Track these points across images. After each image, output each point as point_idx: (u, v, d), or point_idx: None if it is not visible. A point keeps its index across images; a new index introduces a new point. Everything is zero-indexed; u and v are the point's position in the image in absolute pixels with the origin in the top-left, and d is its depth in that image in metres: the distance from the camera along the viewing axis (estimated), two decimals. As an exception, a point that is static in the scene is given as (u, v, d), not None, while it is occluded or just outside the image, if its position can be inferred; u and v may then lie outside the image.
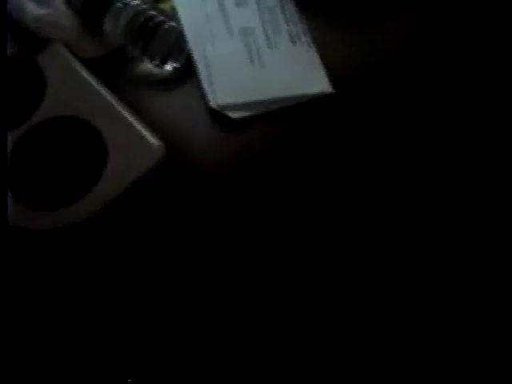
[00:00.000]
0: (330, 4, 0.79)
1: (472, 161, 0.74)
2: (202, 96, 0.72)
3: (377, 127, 0.74)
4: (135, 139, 0.68)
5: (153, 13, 0.74)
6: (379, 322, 0.70)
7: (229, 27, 0.76)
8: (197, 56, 0.74)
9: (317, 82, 0.74)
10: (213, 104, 0.71)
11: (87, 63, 0.74)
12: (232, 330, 0.68)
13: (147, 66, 0.76)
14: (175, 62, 0.74)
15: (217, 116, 0.71)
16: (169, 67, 0.74)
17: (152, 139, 0.68)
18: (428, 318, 0.70)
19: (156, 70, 0.75)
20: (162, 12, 0.75)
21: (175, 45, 0.74)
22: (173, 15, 0.76)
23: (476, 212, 0.73)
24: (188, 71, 0.74)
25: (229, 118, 0.71)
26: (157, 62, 0.74)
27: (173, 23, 0.74)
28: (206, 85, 0.72)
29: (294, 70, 0.74)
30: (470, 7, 0.79)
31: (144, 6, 0.75)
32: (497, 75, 0.77)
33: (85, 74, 0.72)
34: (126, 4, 0.75)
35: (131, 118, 0.69)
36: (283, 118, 0.72)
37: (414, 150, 0.74)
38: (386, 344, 0.69)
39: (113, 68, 0.76)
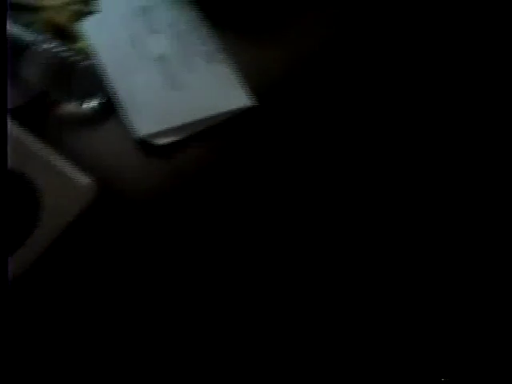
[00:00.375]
0: (241, 21, 0.80)
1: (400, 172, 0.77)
2: (127, 128, 0.74)
3: (303, 133, 0.77)
4: (66, 182, 0.70)
5: (68, 53, 0.75)
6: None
7: (145, 57, 0.77)
8: (117, 89, 0.75)
9: (237, 98, 0.76)
10: (138, 135, 0.73)
11: (12, 113, 0.75)
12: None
13: (71, 107, 0.77)
14: (97, 98, 0.76)
15: (144, 145, 0.73)
16: (92, 104, 0.76)
17: (82, 179, 0.69)
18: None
19: (80, 109, 0.76)
20: (78, 51, 0.76)
21: (95, 82, 0.75)
22: (89, 53, 0.77)
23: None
24: (111, 106, 0.75)
25: (156, 145, 0.73)
26: (80, 102, 0.75)
27: (90, 61, 0.76)
28: (129, 117, 0.74)
29: (213, 89, 0.76)
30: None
31: (59, 48, 0.76)
32: (408, 70, 0.80)
33: (9, 124, 0.73)
34: (40, 48, 0.75)
35: (60, 162, 0.71)
36: (210, 137, 0.74)
37: (343, 149, 0.77)
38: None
39: (38, 113, 0.77)
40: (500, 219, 0.76)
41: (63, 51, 0.75)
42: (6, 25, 0.72)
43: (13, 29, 0.75)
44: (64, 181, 0.69)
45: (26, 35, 0.75)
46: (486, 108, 0.80)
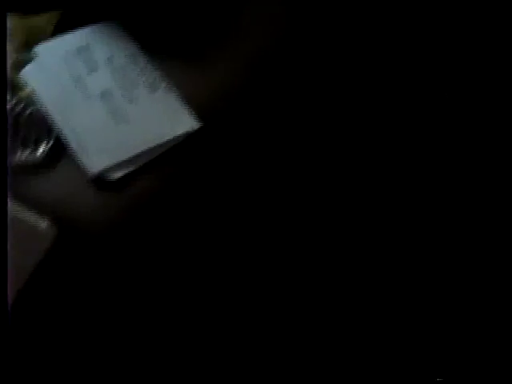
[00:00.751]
0: (179, 47, 0.82)
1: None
2: (79, 167, 0.74)
3: (252, 150, 0.78)
4: (25, 228, 0.70)
5: (12, 102, 0.77)
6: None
7: (88, 95, 0.78)
8: (65, 131, 0.76)
9: (183, 123, 0.77)
10: (90, 172, 0.74)
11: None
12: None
13: (23, 155, 0.77)
14: (47, 143, 0.77)
15: (97, 182, 0.74)
16: (42, 149, 0.77)
17: (41, 223, 0.70)
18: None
19: (32, 156, 0.77)
20: (21, 99, 0.77)
21: (42, 127, 0.76)
22: (33, 99, 0.78)
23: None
24: (61, 148, 0.76)
25: (109, 180, 0.74)
26: (30, 149, 0.76)
27: (35, 107, 0.77)
28: (80, 156, 0.74)
29: (159, 118, 0.77)
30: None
31: (3, 100, 0.77)
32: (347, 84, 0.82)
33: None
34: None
35: (17, 210, 0.71)
36: (161, 164, 0.75)
37: (292, 161, 0.78)
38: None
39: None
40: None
41: (7, 102, 0.77)
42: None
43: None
44: (22, 227, 0.70)
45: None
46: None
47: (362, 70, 0.83)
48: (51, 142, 0.77)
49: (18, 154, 0.77)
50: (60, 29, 0.81)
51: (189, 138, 0.77)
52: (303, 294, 0.73)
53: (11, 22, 0.79)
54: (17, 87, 0.79)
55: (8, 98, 0.76)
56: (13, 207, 0.71)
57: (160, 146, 0.76)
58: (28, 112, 0.76)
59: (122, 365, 0.70)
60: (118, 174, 0.74)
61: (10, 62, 0.80)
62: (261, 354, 0.71)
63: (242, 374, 0.70)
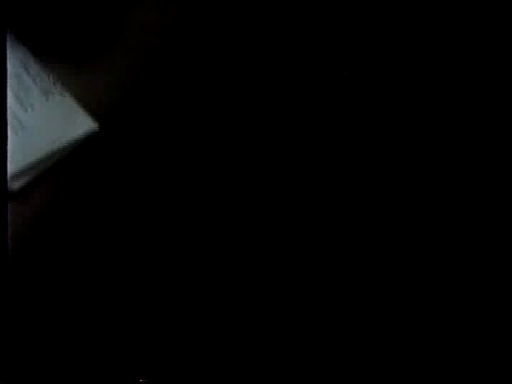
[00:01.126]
0: (70, 51, 0.82)
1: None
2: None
3: (154, 147, 0.79)
4: None
5: None
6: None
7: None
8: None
9: (81, 124, 0.77)
10: (-9, 184, 0.73)
11: None
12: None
13: None
14: None
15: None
16: None
17: None
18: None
19: None
20: None
21: None
22: None
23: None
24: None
25: (11, 191, 0.73)
26: None
27: None
28: (-21, 169, 0.74)
29: (55, 122, 0.77)
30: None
31: None
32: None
33: None
34: None
35: None
36: (63, 169, 0.75)
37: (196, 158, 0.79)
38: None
39: None
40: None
41: None
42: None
43: None
44: None
45: None
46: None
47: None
48: None
49: None
50: None
51: (87, 139, 0.77)
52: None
53: None
54: None
55: None
56: None
57: (59, 150, 0.76)
58: None
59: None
60: (19, 183, 0.74)
61: None
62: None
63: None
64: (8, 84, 0.79)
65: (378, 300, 0.74)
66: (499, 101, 0.81)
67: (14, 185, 0.74)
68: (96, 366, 0.69)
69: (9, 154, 0.75)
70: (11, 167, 0.74)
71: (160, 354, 0.70)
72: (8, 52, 0.81)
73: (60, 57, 0.81)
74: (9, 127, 0.76)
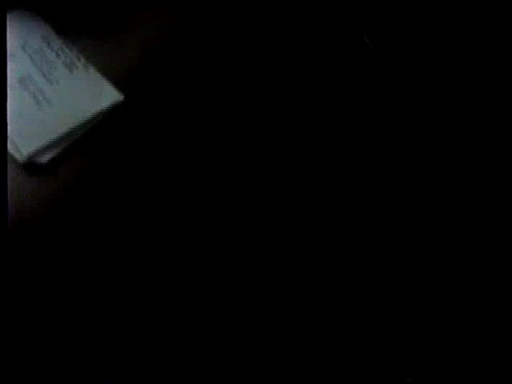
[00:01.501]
0: (92, 24, 0.82)
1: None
2: (10, 157, 0.74)
3: (177, 120, 0.78)
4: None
5: None
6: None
7: (7, 84, 0.77)
8: (-11, 122, 0.75)
9: (106, 96, 0.77)
10: (20, 159, 0.73)
11: None
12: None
13: None
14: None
15: (29, 168, 0.73)
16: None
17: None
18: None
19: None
20: None
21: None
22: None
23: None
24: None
25: (40, 164, 0.73)
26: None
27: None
28: (9, 145, 0.74)
29: (82, 95, 0.77)
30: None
31: None
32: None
33: None
34: None
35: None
36: (90, 141, 0.75)
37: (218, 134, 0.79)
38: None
39: None
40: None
41: None
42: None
43: None
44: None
45: None
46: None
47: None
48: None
49: None
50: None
51: (113, 111, 0.77)
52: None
53: None
54: None
55: None
56: None
57: (87, 122, 0.75)
58: None
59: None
60: (48, 157, 0.73)
61: None
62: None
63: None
64: (32, 59, 0.79)
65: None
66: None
67: (43, 158, 0.73)
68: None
69: (35, 128, 0.75)
70: (39, 141, 0.74)
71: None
72: (28, 30, 0.81)
73: (81, 30, 0.81)
74: (34, 101, 0.76)
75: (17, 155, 0.73)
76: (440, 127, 0.81)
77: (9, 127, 0.74)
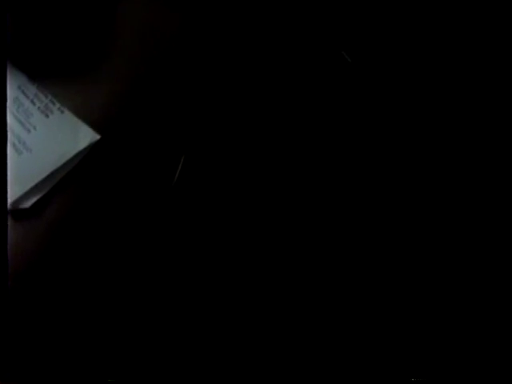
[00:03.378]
0: (62, 70, 0.84)
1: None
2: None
3: (152, 152, 0.81)
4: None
5: None
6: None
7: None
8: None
9: (83, 137, 0.79)
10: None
11: None
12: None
13: None
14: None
15: (15, 214, 0.76)
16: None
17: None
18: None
19: None
20: None
21: None
22: None
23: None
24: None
25: (25, 210, 0.76)
26: None
27: None
28: (-9, 193, 0.76)
29: (59, 138, 0.79)
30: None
31: None
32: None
33: None
34: None
35: None
36: (70, 181, 0.78)
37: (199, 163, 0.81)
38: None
39: None
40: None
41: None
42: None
43: None
44: None
45: None
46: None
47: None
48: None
49: None
50: None
51: (92, 150, 0.79)
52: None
53: None
54: None
55: None
56: None
57: (66, 163, 0.78)
58: None
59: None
60: (32, 201, 0.76)
61: None
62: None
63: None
64: (8, 109, 0.81)
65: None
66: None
67: (27, 203, 0.76)
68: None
69: (17, 175, 0.77)
70: (21, 187, 0.76)
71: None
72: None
73: (54, 75, 0.84)
74: (14, 149, 0.79)
75: (1, 203, 0.75)
76: (421, 137, 0.82)
77: (-7, 176, 0.77)
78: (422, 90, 0.83)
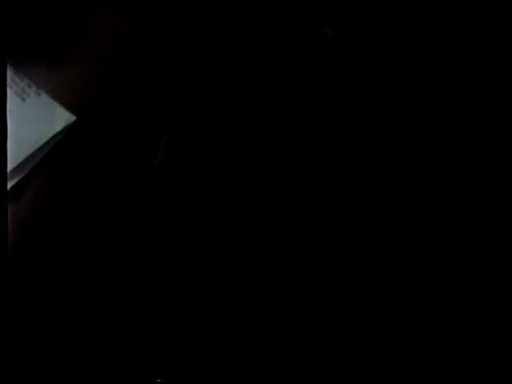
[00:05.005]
0: (38, 54, 0.85)
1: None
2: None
3: (131, 133, 0.81)
4: None
5: None
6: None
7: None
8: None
9: (59, 118, 0.80)
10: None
11: None
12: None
13: None
14: None
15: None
16: None
17: None
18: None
19: None
20: None
21: None
22: None
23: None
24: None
25: (4, 192, 0.76)
26: None
27: None
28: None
29: (35, 121, 0.80)
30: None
31: None
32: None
33: None
34: None
35: None
36: (50, 162, 0.78)
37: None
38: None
39: None
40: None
41: None
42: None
43: None
44: None
45: None
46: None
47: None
48: None
49: None
50: None
51: (69, 131, 0.80)
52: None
53: None
54: None
55: None
56: None
57: (43, 146, 0.79)
58: None
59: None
60: (10, 184, 0.77)
61: None
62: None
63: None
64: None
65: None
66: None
67: (8, 184, 0.77)
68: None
69: (-4, 159, 0.78)
70: (0, 170, 0.77)
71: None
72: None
73: (31, 61, 0.84)
74: (-9, 133, 0.79)
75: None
76: (403, 119, 0.81)
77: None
78: (410, 69, 0.83)
